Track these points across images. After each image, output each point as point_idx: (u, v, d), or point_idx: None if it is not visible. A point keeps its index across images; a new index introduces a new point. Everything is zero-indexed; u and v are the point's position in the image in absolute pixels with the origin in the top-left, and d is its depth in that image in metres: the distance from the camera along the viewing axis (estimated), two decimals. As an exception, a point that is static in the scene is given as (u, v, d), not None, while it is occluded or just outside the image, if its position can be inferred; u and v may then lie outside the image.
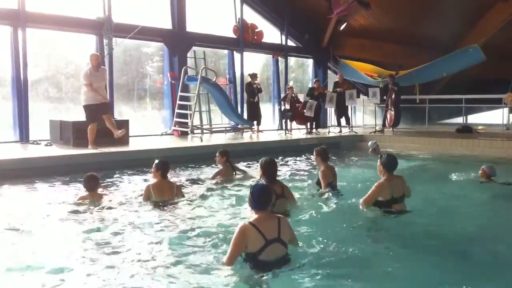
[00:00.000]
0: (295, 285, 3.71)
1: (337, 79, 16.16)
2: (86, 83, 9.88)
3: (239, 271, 3.85)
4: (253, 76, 15.09)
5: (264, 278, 3.73)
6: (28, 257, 4.36)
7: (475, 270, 4.21)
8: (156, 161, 6.61)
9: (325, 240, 4.67)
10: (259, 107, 15.29)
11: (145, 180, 7.92)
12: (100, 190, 6.64)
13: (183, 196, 6.65)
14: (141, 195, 6.65)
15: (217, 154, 8.10)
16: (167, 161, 6.69)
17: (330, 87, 18.04)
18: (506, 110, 15.96)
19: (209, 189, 7.29)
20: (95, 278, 3.88)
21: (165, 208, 6.14)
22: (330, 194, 6.64)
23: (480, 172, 7.88)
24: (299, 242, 4.38)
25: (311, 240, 4.68)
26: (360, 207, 5.75)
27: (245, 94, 15.51)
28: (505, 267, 4.29)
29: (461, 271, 4.18)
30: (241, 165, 9.65)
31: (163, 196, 6.41)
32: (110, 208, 6.07)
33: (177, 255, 4.38)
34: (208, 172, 8.94)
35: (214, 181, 7.85)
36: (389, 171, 5.77)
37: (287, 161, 10.73)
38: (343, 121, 15.97)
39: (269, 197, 4.12)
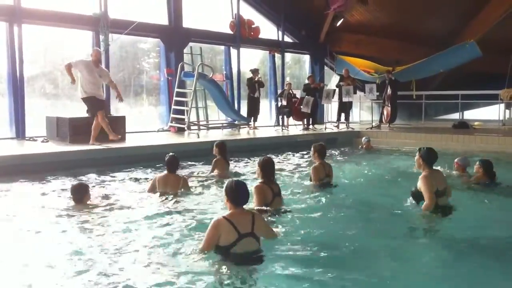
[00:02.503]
0: (267, 279, 3.75)
1: (343, 73, 16.12)
2: (71, 62, 9.78)
3: (214, 264, 3.95)
4: (255, 71, 15.07)
5: (238, 271, 3.81)
6: (21, 255, 4.36)
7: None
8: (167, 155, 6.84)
9: (310, 236, 4.73)
10: (259, 103, 15.28)
11: (141, 180, 7.93)
12: (95, 195, 6.49)
13: (189, 190, 6.75)
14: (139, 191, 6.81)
15: (214, 146, 8.22)
16: (175, 156, 6.83)
17: (327, 82, 18.11)
18: (502, 106, 16.01)
19: (206, 184, 7.37)
20: (85, 273, 3.91)
21: (164, 202, 6.23)
22: (320, 189, 6.74)
23: (455, 166, 7.94)
24: (280, 234, 4.51)
25: (296, 236, 4.72)
26: (427, 207, 5.46)
27: (245, 89, 15.48)
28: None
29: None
30: (237, 162, 9.72)
31: (166, 188, 6.60)
32: (105, 204, 6.10)
33: (161, 248, 4.47)
34: (204, 167, 8.97)
35: (213, 174, 7.97)
36: (428, 165, 5.64)
37: (283, 158, 10.73)
38: (343, 116, 15.93)
39: (248, 194, 4.27)
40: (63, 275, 3.83)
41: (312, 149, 7.33)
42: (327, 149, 9.24)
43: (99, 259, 4.13)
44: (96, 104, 9.93)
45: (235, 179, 4.48)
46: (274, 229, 4.60)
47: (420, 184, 5.55)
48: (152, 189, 6.70)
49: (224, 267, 3.88)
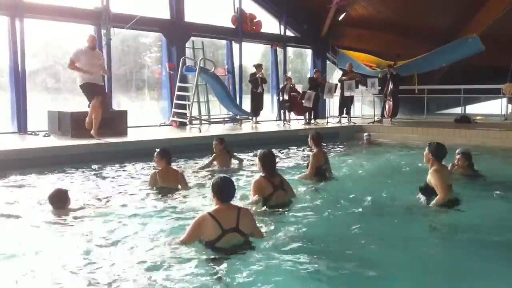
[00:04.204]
0: (257, 273, 3.74)
1: (346, 68, 16.07)
2: (72, 58, 9.71)
3: (199, 257, 3.97)
4: (258, 66, 15.02)
5: (222, 264, 3.83)
6: (23, 251, 4.33)
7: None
8: (158, 149, 6.69)
9: (309, 231, 4.72)
10: (262, 99, 15.25)
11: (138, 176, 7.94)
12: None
13: (186, 184, 6.71)
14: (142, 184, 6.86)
15: (214, 142, 8.26)
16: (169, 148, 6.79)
17: (329, 77, 18.09)
18: (504, 100, 15.98)
19: (207, 178, 7.36)
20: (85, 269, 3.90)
21: (166, 196, 6.20)
22: (321, 184, 6.76)
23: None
24: (264, 235, 4.46)
25: (294, 231, 4.72)
26: (440, 201, 5.41)
27: (248, 84, 15.45)
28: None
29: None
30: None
31: (169, 182, 6.53)
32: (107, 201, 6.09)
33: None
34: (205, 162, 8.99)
35: (211, 169, 8.04)
36: (438, 160, 5.58)
37: (285, 152, 10.73)
38: (344, 111, 15.90)
39: (233, 190, 4.31)
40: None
41: (309, 137, 7.44)
42: (330, 144, 9.14)
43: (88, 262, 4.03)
44: (94, 90, 9.88)
45: (222, 175, 4.49)
46: (262, 230, 4.57)
47: (432, 178, 5.49)
48: (153, 184, 6.58)
49: (209, 260, 3.90)
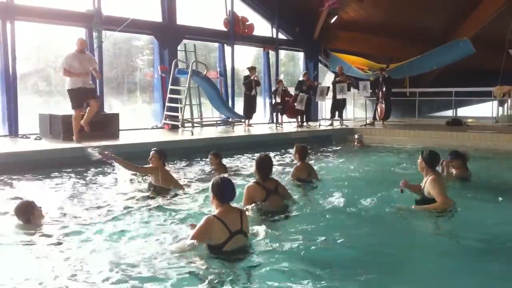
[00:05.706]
0: (260, 277, 3.73)
1: (336, 71, 16.08)
2: (64, 67, 9.65)
3: (206, 262, 3.90)
4: (251, 69, 15.02)
5: (230, 269, 3.79)
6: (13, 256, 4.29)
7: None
8: (155, 148, 6.64)
9: (304, 235, 4.71)
10: (255, 101, 15.24)
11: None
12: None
13: (179, 184, 6.70)
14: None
15: (210, 156, 8.02)
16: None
17: (321, 79, 18.12)
18: (495, 103, 16.07)
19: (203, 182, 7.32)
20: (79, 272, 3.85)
21: (159, 198, 6.18)
22: (313, 187, 6.74)
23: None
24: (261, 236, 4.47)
25: (289, 234, 4.72)
26: (439, 208, 5.36)
27: (240, 86, 15.45)
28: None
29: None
30: (232, 160, 9.71)
31: (169, 184, 6.49)
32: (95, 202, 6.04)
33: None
34: (198, 165, 8.96)
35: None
36: (431, 168, 5.57)
37: (277, 155, 10.72)
38: (336, 113, 15.91)
39: (233, 190, 4.27)
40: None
41: (294, 148, 7.35)
42: (323, 147, 9.06)
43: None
44: (81, 97, 9.80)
45: (221, 175, 4.45)
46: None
47: (432, 187, 5.41)
48: (147, 173, 6.49)
49: (216, 265, 3.85)
